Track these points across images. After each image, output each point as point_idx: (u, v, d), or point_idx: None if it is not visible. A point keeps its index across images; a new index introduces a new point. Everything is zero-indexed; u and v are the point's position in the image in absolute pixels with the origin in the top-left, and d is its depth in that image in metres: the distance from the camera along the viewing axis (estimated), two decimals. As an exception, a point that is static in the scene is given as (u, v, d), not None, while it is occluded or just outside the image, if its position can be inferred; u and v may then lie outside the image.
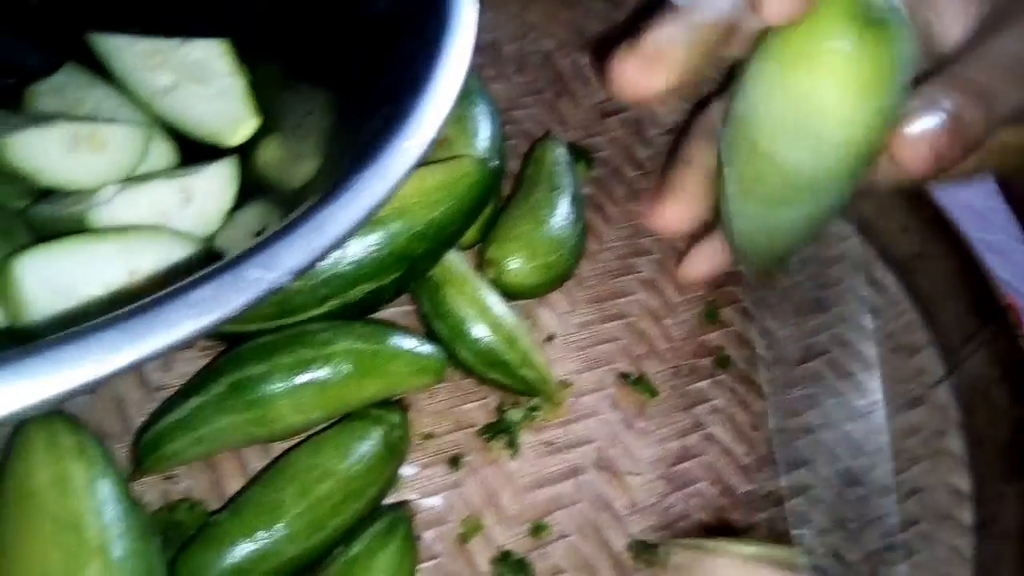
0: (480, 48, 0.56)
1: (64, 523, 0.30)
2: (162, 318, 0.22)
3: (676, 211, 0.32)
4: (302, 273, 0.24)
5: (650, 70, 0.27)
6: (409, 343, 0.39)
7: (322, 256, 0.25)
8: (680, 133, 0.35)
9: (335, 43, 0.39)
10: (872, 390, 0.47)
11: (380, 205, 0.27)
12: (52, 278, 0.32)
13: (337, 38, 0.39)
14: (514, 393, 0.43)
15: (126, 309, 0.22)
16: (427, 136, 0.28)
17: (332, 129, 0.37)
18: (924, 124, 0.26)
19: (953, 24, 0.31)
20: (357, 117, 0.34)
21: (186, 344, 0.22)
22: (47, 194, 0.39)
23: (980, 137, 0.27)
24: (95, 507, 0.30)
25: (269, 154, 0.42)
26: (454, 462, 0.41)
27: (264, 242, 0.24)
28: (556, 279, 0.45)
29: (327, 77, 0.39)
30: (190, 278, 0.23)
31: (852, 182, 0.28)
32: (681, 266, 0.36)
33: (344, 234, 0.25)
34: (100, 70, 0.42)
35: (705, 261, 0.36)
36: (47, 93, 0.43)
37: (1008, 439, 0.42)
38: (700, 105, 0.35)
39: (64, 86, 0.43)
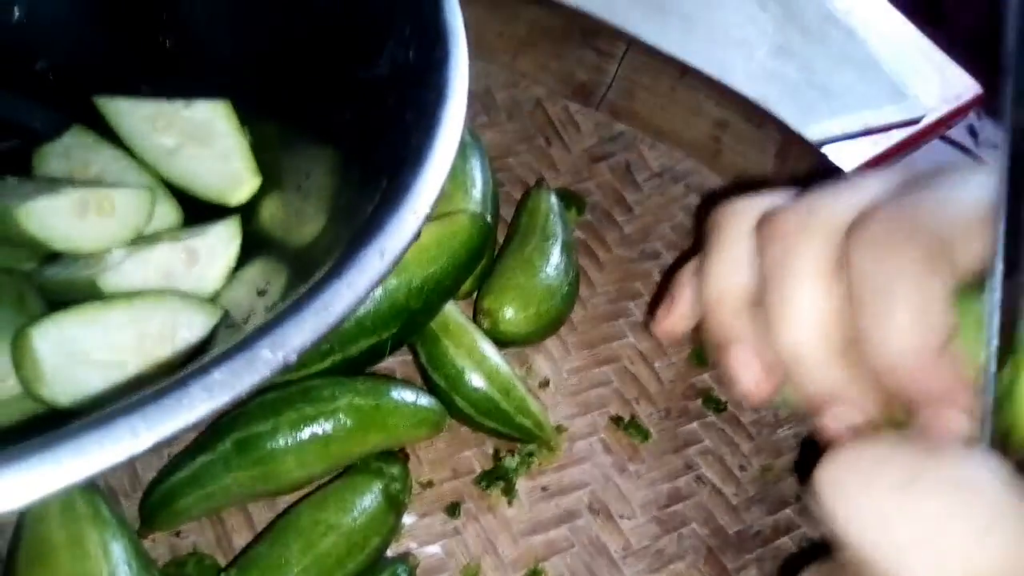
0: (473, 96, 0.58)
1: (80, 584, 0.31)
2: (183, 402, 0.23)
3: (676, 322, 0.32)
4: (311, 350, 0.26)
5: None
6: (408, 396, 0.40)
7: (329, 333, 0.26)
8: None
9: (335, 105, 0.40)
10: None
11: (381, 280, 0.28)
12: (65, 345, 0.33)
13: (337, 100, 0.40)
14: (511, 440, 0.44)
15: (148, 393, 0.23)
16: (424, 208, 0.30)
17: (332, 192, 0.38)
18: None
19: None
20: (358, 183, 0.36)
21: (203, 424, 0.23)
22: (55, 256, 0.40)
23: None
24: (109, 569, 0.32)
25: (271, 213, 0.43)
26: (453, 510, 0.42)
27: (274, 322, 0.26)
28: (550, 327, 0.47)
29: (327, 139, 0.41)
30: (206, 359, 0.24)
31: None
32: (657, 325, 0.35)
33: (348, 311, 0.27)
34: (106, 132, 0.44)
35: (680, 320, 0.33)
36: (55, 155, 0.44)
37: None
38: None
39: (71, 148, 0.44)
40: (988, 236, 0.23)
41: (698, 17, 0.77)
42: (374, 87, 0.37)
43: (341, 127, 0.39)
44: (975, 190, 0.24)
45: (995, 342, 0.22)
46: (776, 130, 0.54)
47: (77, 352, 0.33)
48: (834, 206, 0.26)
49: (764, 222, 0.27)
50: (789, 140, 0.55)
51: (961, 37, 0.85)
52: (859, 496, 0.22)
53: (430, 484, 0.42)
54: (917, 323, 0.23)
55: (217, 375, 0.24)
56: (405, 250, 0.29)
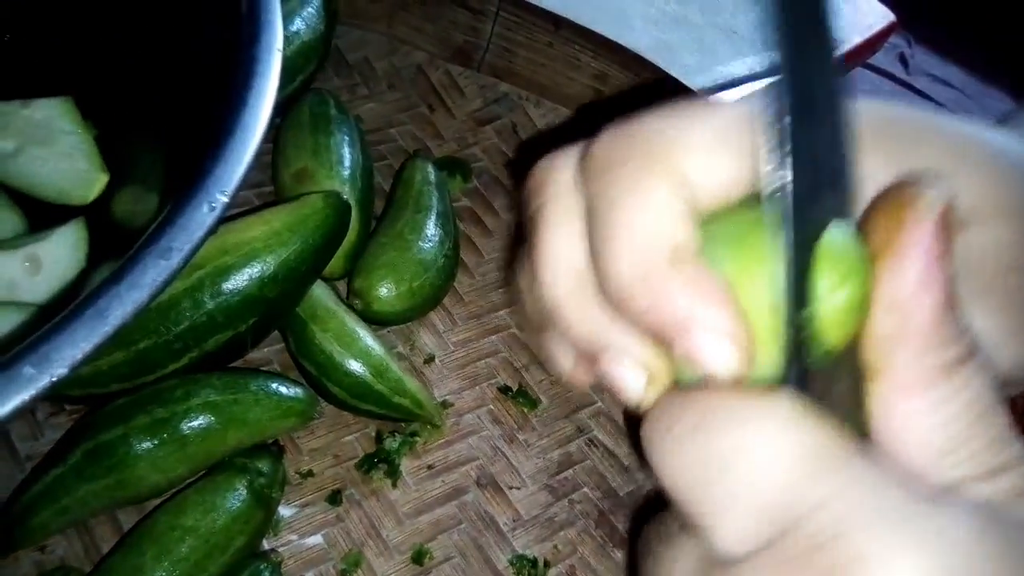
0: (351, 66, 0.57)
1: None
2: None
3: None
4: (86, 361, 0.25)
5: None
6: (271, 388, 0.39)
7: (106, 342, 0.25)
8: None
9: (164, 90, 0.39)
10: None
11: (170, 279, 0.27)
12: None
13: (166, 85, 0.39)
14: (393, 421, 0.43)
15: None
16: (221, 199, 0.28)
17: (165, 183, 0.37)
18: None
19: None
20: (178, 173, 0.34)
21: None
22: None
23: None
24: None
25: (122, 209, 0.42)
26: (334, 497, 0.41)
27: (42, 336, 0.24)
28: (426, 302, 0.45)
29: (161, 127, 0.39)
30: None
31: None
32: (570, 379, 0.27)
33: (129, 316, 0.25)
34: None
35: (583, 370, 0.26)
36: None
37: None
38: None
39: (-93, 158, 0.42)
40: (737, 159, 0.21)
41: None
42: (196, 70, 0.36)
43: (173, 114, 0.37)
44: (719, 114, 0.22)
45: (789, 273, 0.20)
46: (655, 78, 0.53)
47: None
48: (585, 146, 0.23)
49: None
50: (672, 89, 0.53)
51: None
52: (664, 445, 0.21)
53: (310, 473, 0.41)
54: (640, 237, 0.21)
55: (-29, 398, 0.22)
56: (198, 246, 0.28)
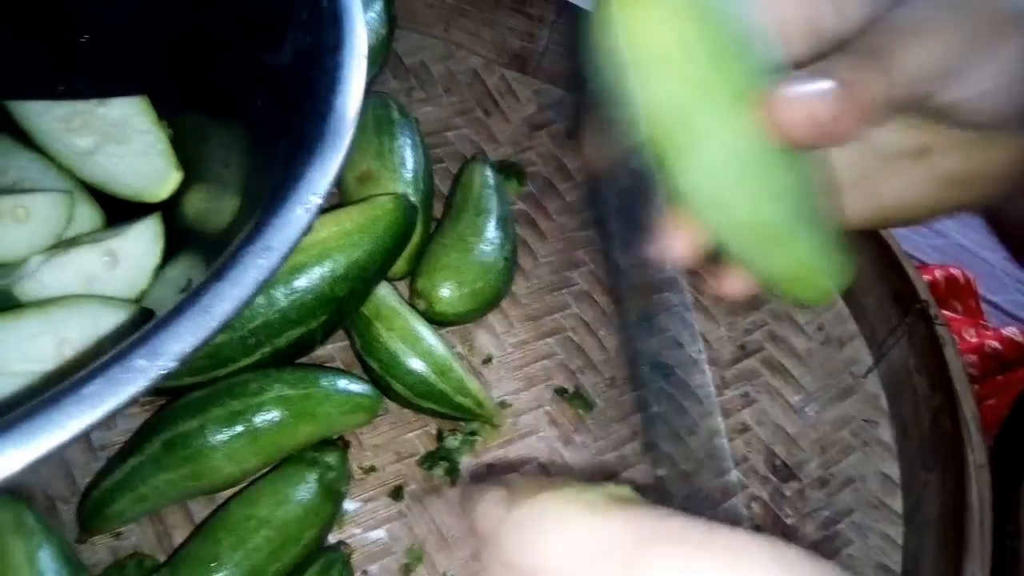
0: (409, 70, 0.57)
1: (5, 597, 0.31)
2: (53, 420, 0.23)
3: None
4: (193, 355, 0.26)
5: None
6: (340, 384, 0.40)
7: (212, 336, 0.26)
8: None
9: (245, 93, 0.40)
10: (805, 384, 0.48)
11: (270, 277, 0.28)
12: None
13: (247, 88, 0.39)
14: (453, 419, 0.44)
15: (17, 413, 0.23)
16: (315, 201, 0.29)
17: (246, 183, 0.38)
18: (804, 87, 0.25)
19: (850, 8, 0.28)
20: (265, 174, 0.35)
21: (76, 440, 0.23)
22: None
23: (879, 100, 0.25)
24: (34, 580, 0.32)
25: (195, 207, 0.43)
26: (396, 493, 0.42)
27: (151, 329, 0.25)
28: (487, 304, 0.46)
29: (240, 128, 0.40)
30: (80, 374, 0.24)
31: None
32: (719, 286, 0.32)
33: (234, 312, 0.26)
34: (21, 136, 0.43)
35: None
36: (-29, 164, 0.43)
37: (928, 427, 0.43)
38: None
39: (-12, 155, 0.44)
40: None
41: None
42: (279, 74, 0.37)
43: (252, 115, 0.38)
44: None
45: None
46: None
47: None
48: None
49: None
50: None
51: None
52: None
53: (373, 469, 0.42)
54: None
55: (89, 389, 0.23)
56: (294, 245, 0.29)
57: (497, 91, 0.58)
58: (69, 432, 0.23)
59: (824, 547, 0.43)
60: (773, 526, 0.44)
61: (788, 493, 0.45)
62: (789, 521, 0.44)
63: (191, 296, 0.26)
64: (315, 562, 0.37)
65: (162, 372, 0.25)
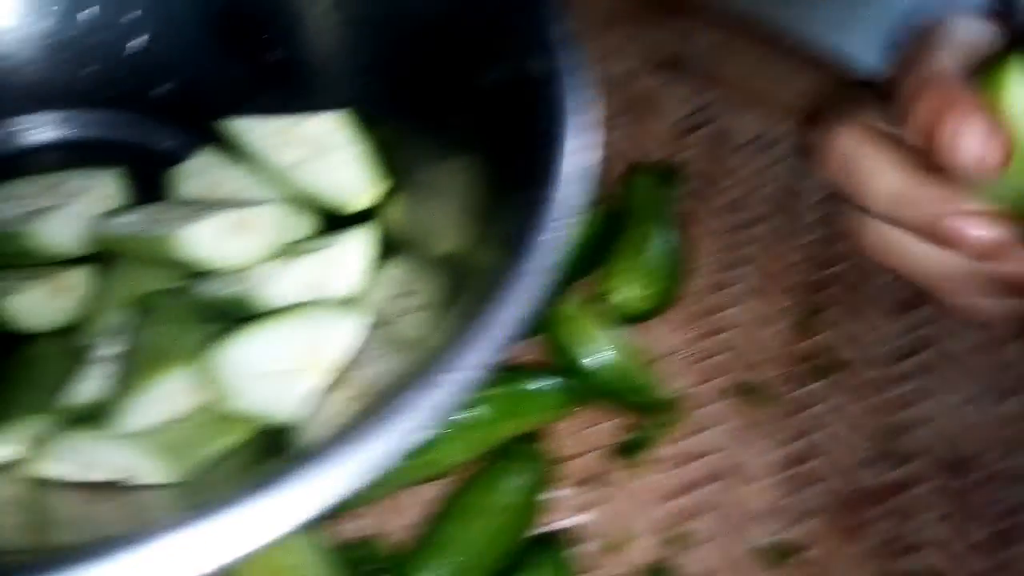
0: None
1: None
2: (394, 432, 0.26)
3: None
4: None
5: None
6: (539, 382, 0.43)
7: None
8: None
9: (458, 111, 0.41)
10: (966, 383, 0.49)
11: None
12: (249, 362, 0.36)
13: (459, 107, 0.41)
14: (641, 411, 0.46)
15: (359, 428, 0.26)
16: (567, 227, 0.32)
17: (465, 196, 0.40)
18: None
19: None
20: (495, 191, 0.37)
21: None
22: (199, 274, 0.43)
23: None
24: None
25: (407, 215, 0.45)
26: (593, 482, 0.44)
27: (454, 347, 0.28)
28: (664, 303, 0.48)
29: (457, 144, 0.41)
30: (409, 387, 0.27)
31: None
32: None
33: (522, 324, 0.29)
34: (231, 150, 0.46)
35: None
36: (186, 177, 0.47)
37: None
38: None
39: (201, 169, 0.47)
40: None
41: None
42: (496, 94, 0.39)
43: (469, 134, 0.40)
44: None
45: None
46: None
47: (258, 367, 0.36)
48: None
49: None
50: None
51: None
52: None
53: (569, 458, 0.45)
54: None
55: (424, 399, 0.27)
56: (556, 267, 0.31)
57: (651, 94, 0.60)
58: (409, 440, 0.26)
59: (998, 542, 0.44)
60: (945, 519, 0.45)
61: (959, 488, 0.46)
62: (959, 516, 0.45)
63: (488, 311, 0.29)
64: (531, 551, 0.40)
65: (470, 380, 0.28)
